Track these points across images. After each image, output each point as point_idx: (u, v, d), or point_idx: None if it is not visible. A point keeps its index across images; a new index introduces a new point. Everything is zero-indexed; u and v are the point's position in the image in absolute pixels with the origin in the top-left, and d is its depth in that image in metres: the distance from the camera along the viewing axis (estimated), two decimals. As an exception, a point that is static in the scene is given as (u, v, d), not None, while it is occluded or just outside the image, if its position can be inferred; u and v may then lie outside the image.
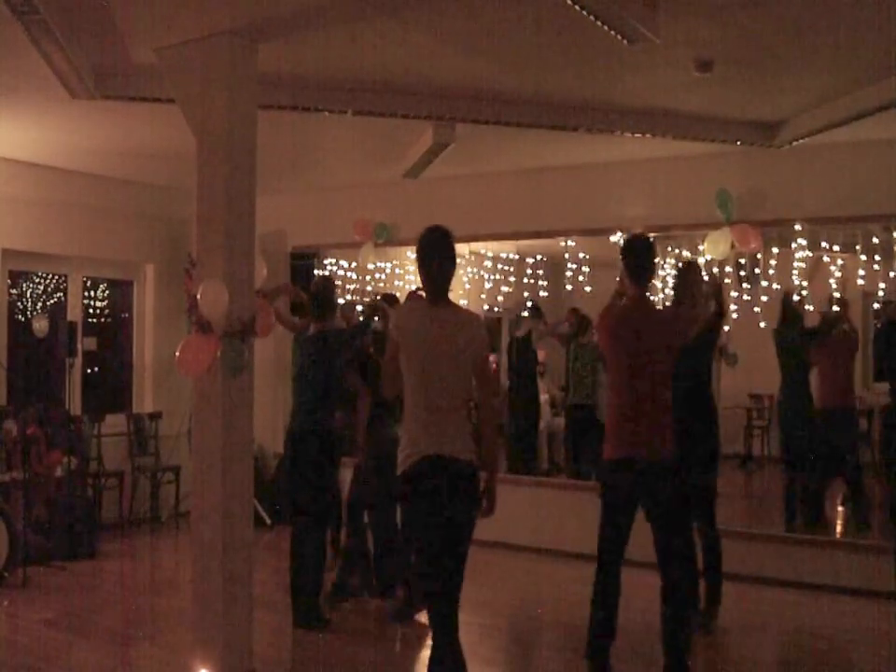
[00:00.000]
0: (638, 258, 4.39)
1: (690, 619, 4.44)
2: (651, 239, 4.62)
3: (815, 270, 7.37)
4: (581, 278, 8.15)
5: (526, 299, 8.85)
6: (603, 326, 4.50)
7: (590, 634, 4.38)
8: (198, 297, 4.32)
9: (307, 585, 5.46)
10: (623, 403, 4.30)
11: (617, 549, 4.31)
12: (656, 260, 4.70)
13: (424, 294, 3.80)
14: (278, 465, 8.14)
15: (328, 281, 6.04)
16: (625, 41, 4.24)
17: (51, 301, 8.26)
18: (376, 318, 5.88)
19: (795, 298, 7.14)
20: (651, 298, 4.51)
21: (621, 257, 4.45)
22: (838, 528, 7.49)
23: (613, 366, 4.41)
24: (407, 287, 9.34)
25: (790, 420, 7.16)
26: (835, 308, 7.24)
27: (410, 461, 3.59)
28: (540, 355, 9.04)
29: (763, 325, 7.00)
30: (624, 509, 4.29)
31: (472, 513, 3.63)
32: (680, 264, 5.83)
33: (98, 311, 8.68)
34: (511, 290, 9.11)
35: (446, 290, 3.69)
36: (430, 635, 3.68)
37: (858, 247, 7.01)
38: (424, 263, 3.67)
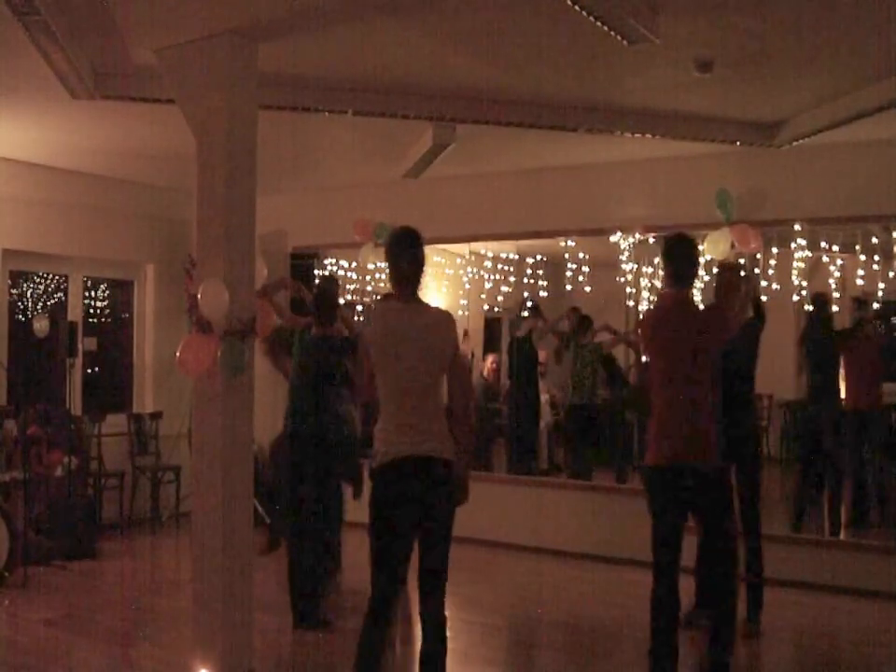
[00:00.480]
0: (682, 259, 4.27)
1: (730, 625, 4.31)
2: (694, 239, 4.42)
3: (814, 270, 7.37)
4: (580, 278, 8.16)
5: (526, 298, 8.85)
6: (643, 328, 4.41)
7: (652, 649, 4.16)
8: (198, 297, 4.32)
9: (307, 586, 5.47)
10: (664, 407, 4.18)
11: (670, 556, 4.14)
12: (700, 261, 4.53)
13: (395, 294, 3.80)
14: (274, 466, 8.12)
15: (330, 282, 6.00)
16: (625, 41, 4.25)
17: (52, 301, 8.26)
18: None
19: (794, 297, 7.14)
20: (693, 299, 4.34)
21: (662, 257, 4.33)
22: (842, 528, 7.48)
23: (654, 369, 4.30)
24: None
25: (817, 423, 7.00)
26: (835, 308, 7.23)
27: (385, 460, 3.60)
28: (541, 355, 9.04)
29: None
30: (671, 515, 4.14)
31: (450, 508, 3.64)
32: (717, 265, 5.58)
33: (98, 311, 8.68)
34: (510, 290, 9.11)
35: (417, 289, 3.73)
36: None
37: (858, 247, 7.01)
38: (394, 263, 3.71)
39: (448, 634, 3.66)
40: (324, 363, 5.51)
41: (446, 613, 3.65)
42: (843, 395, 7.13)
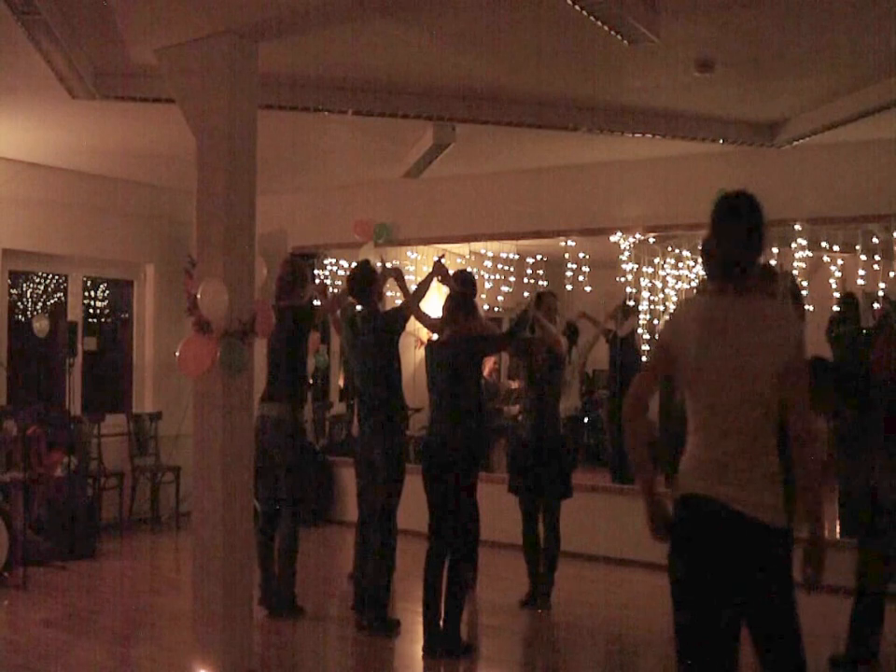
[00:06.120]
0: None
1: None
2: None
3: (814, 270, 7.36)
4: (581, 278, 8.16)
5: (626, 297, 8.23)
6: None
7: None
8: (198, 297, 4.32)
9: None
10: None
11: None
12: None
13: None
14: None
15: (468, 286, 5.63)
16: (625, 41, 4.25)
17: (51, 301, 8.26)
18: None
19: (801, 294, 7.08)
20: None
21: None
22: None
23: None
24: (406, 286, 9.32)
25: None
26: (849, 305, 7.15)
27: None
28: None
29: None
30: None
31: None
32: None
33: (98, 311, 8.68)
34: (510, 290, 9.12)
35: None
36: None
37: (858, 247, 7.01)
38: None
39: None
40: (464, 361, 5.04)
41: None
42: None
